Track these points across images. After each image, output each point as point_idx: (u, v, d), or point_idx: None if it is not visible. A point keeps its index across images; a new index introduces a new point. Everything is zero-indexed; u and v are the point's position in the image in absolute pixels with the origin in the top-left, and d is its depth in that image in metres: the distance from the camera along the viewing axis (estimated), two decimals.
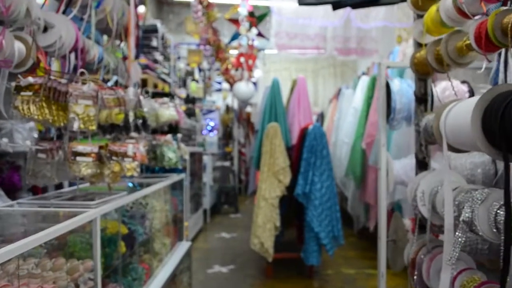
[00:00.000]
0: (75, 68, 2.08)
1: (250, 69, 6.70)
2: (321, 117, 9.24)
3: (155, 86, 4.02)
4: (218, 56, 8.23)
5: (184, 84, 6.52)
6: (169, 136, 2.76)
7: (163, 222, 2.74)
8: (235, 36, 7.24)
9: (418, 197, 1.64)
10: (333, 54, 7.57)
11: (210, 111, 9.46)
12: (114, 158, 1.83)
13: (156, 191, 2.54)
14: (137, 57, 2.87)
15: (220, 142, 9.47)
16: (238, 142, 10.72)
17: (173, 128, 3.10)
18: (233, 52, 8.84)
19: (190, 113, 6.53)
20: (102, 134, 2.06)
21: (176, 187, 3.05)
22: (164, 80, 4.15)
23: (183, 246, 3.15)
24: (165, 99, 2.91)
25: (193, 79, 7.13)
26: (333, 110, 7.56)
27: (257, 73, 9.98)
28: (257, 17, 7.04)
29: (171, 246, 2.94)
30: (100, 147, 1.81)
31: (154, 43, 4.87)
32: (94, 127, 1.79)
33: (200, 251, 5.49)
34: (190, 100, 6.64)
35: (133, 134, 2.25)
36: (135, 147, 2.00)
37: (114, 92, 1.94)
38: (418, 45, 1.93)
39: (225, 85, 10.45)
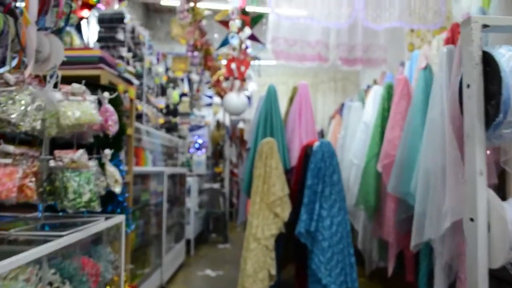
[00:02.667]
0: None
1: (242, 76, 5.75)
2: (321, 135, 8.34)
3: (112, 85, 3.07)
4: (207, 64, 7.26)
5: (163, 92, 5.53)
6: (79, 153, 1.48)
7: None
8: (226, 41, 6.30)
9: None
10: (337, 64, 6.75)
11: (198, 127, 8.55)
12: None
13: (29, 264, 1.28)
14: (59, 30, 1.82)
15: (209, 161, 8.49)
16: (230, 162, 9.73)
17: (101, 140, 1.80)
18: (225, 63, 7.95)
19: (170, 127, 5.54)
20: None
21: (103, 240, 1.81)
22: (129, 81, 3.21)
23: None
24: (76, 88, 1.57)
25: (174, 88, 6.10)
26: (337, 126, 6.74)
27: (251, 86, 9.05)
28: (252, 18, 6.13)
29: None
30: None
31: (120, 36, 3.90)
32: None
33: None
34: (170, 112, 5.65)
35: (10, 148, 1.18)
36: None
37: None
38: None
39: (216, 99, 9.52)
